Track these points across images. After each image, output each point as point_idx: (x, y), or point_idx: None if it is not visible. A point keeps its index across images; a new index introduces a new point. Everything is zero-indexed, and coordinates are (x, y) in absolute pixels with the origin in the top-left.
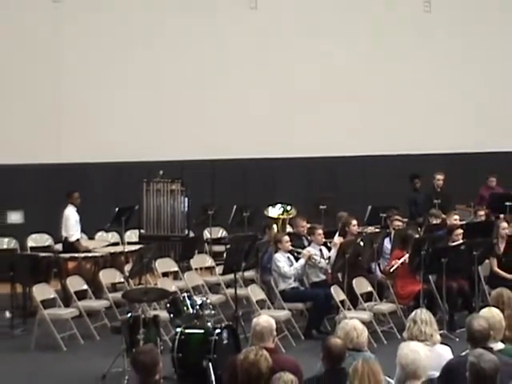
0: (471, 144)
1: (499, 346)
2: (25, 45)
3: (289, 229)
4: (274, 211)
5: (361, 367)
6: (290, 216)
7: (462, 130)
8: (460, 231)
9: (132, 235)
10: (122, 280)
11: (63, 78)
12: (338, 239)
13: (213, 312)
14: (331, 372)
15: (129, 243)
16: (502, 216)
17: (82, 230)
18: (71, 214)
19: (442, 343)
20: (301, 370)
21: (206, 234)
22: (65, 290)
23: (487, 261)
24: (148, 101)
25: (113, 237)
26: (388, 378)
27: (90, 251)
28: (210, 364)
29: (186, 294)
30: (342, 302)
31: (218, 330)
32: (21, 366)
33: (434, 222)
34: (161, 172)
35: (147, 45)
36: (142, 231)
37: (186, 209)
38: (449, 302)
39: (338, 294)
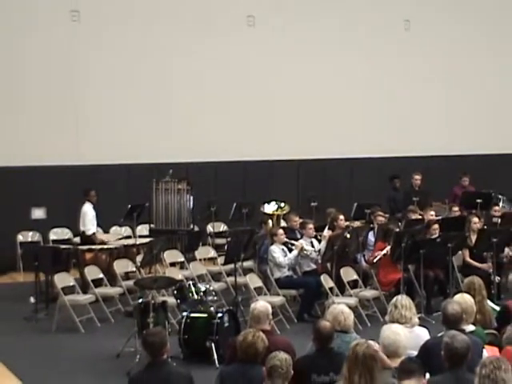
0: (446, 147)
1: (470, 328)
2: (44, 56)
3: (283, 223)
4: (270, 208)
5: (353, 350)
6: (284, 212)
7: (437, 135)
8: (436, 226)
9: (143, 229)
10: (134, 269)
11: (81, 88)
12: (327, 233)
13: (215, 298)
14: (321, 351)
15: (140, 236)
16: (473, 212)
17: (98, 225)
18: (88, 210)
19: (420, 325)
20: (294, 350)
21: (209, 228)
22: (83, 278)
23: (460, 252)
24: (157, 109)
25: (126, 231)
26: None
27: (105, 243)
28: (213, 344)
29: (191, 282)
30: (331, 288)
31: (219, 314)
32: (44, 346)
33: (413, 217)
34: (170, 171)
35: (156, 56)
36: (151, 226)
37: (191, 206)
38: (426, 288)
39: (327, 281)
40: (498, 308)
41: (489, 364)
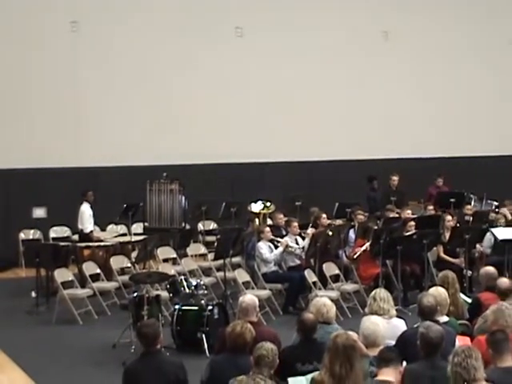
0: (421, 150)
1: (444, 318)
2: (46, 65)
3: (269, 221)
4: (256, 207)
5: (334, 341)
6: (270, 211)
7: (413, 138)
8: (412, 223)
9: (137, 227)
10: (129, 265)
11: (80, 96)
12: (310, 230)
13: (205, 292)
14: (305, 342)
15: (135, 234)
16: (447, 210)
17: (95, 223)
18: (86, 210)
19: (397, 317)
20: (279, 340)
21: (200, 226)
22: (81, 274)
23: (435, 248)
24: (151, 115)
25: (121, 229)
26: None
27: (102, 241)
28: (204, 335)
29: (183, 277)
30: (314, 282)
31: (210, 307)
32: (44, 338)
33: (391, 215)
34: (164, 174)
35: (152, 64)
36: (146, 224)
37: (183, 205)
38: (403, 282)
39: (310, 276)
40: (469, 300)
41: (461, 353)
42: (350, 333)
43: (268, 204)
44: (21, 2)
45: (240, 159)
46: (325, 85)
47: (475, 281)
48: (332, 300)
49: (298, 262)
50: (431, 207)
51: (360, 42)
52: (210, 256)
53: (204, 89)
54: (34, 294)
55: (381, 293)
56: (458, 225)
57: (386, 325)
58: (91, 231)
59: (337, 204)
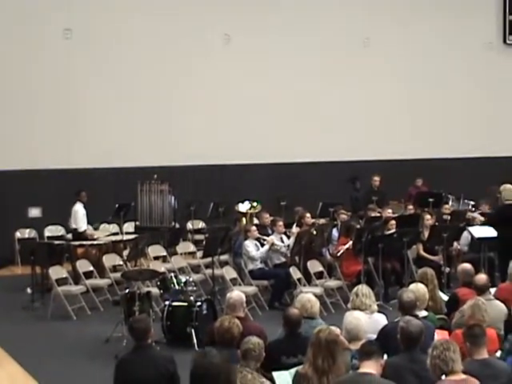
0: (402, 152)
1: (423, 313)
2: (40, 71)
3: (255, 221)
4: (243, 207)
5: (317, 336)
6: (256, 210)
7: (394, 141)
8: (393, 222)
9: (129, 226)
10: (121, 263)
11: (73, 100)
12: (295, 229)
13: (194, 288)
14: (290, 336)
15: (126, 233)
16: (426, 210)
17: (89, 222)
18: (79, 209)
19: (378, 312)
20: (266, 335)
21: (189, 225)
22: (75, 271)
23: (414, 246)
24: (143, 119)
25: (113, 228)
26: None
27: (95, 239)
28: (193, 330)
29: (173, 274)
30: (299, 279)
31: (198, 303)
32: (40, 333)
33: (372, 214)
34: (155, 176)
35: (142, 71)
36: (137, 223)
37: (173, 205)
38: (384, 278)
39: (295, 273)
40: (445, 297)
41: (439, 346)
42: (332, 327)
43: (255, 204)
44: (20, 3)
45: (227, 161)
46: (310, 88)
47: (453, 277)
48: (316, 296)
49: (284, 259)
50: (411, 207)
51: (341, 46)
52: (199, 254)
53: (193, 92)
54: (29, 291)
55: (363, 289)
56: (436, 223)
57: (367, 319)
58: (85, 230)
59: (320, 204)
